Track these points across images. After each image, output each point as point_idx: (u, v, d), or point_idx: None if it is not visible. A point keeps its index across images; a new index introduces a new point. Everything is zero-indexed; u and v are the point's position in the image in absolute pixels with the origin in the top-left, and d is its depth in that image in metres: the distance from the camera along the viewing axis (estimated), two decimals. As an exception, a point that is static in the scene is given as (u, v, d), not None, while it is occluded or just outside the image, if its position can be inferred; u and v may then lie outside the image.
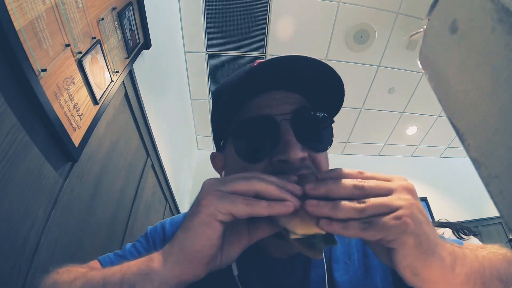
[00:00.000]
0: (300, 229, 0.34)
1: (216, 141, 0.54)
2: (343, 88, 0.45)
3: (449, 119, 0.18)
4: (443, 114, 3.01)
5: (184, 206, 3.03)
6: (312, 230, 0.33)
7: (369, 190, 0.32)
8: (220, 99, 0.48)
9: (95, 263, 0.52)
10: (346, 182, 0.33)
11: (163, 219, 2.38)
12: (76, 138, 0.94)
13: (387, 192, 0.32)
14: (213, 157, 0.56)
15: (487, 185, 0.15)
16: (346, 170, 0.35)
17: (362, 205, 0.31)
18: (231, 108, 0.46)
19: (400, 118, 3.38)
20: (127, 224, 1.47)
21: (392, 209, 0.31)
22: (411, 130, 3.63)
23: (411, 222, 0.30)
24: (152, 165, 1.85)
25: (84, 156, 1.00)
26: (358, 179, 0.33)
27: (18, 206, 0.73)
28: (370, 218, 0.30)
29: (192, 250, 0.34)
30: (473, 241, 1.63)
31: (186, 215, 0.37)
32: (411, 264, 0.31)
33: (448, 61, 0.17)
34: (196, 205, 0.36)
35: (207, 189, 0.36)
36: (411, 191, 0.33)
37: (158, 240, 0.57)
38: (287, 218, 0.34)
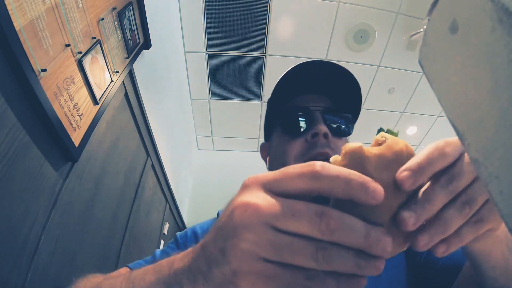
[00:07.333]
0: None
1: (267, 134, 0.70)
2: (360, 94, 0.62)
3: (449, 119, 0.18)
4: (443, 114, 3.01)
5: (184, 206, 3.02)
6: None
7: (463, 184, 0.25)
8: (272, 96, 0.65)
9: (124, 270, 0.52)
10: (442, 190, 0.25)
11: (163, 219, 2.37)
12: (76, 138, 0.94)
13: (472, 176, 0.25)
14: (261, 147, 0.71)
15: (487, 185, 0.15)
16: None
17: (467, 208, 0.25)
18: (281, 102, 0.63)
19: (400, 118, 3.38)
20: (127, 224, 1.47)
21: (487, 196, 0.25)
22: (411, 130, 3.62)
23: None
24: (152, 165, 1.85)
25: (84, 156, 1.00)
26: (449, 177, 0.25)
27: (18, 206, 0.73)
28: (478, 214, 0.26)
29: None
30: None
31: (217, 224, 0.28)
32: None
33: (448, 61, 0.17)
34: (226, 238, 0.25)
35: (251, 218, 0.24)
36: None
37: (190, 245, 0.57)
38: None
